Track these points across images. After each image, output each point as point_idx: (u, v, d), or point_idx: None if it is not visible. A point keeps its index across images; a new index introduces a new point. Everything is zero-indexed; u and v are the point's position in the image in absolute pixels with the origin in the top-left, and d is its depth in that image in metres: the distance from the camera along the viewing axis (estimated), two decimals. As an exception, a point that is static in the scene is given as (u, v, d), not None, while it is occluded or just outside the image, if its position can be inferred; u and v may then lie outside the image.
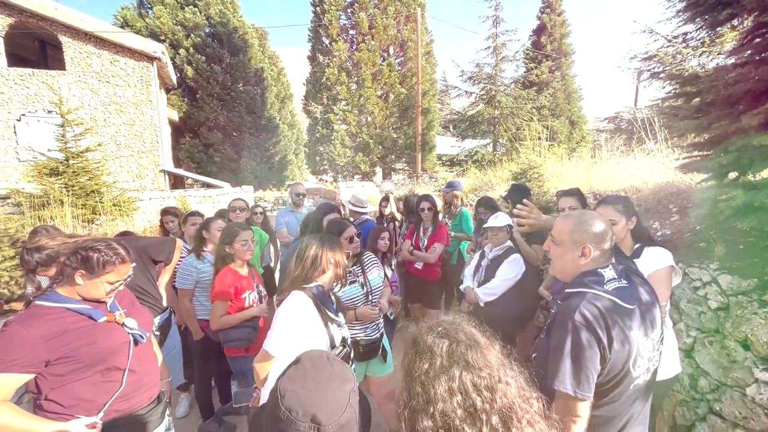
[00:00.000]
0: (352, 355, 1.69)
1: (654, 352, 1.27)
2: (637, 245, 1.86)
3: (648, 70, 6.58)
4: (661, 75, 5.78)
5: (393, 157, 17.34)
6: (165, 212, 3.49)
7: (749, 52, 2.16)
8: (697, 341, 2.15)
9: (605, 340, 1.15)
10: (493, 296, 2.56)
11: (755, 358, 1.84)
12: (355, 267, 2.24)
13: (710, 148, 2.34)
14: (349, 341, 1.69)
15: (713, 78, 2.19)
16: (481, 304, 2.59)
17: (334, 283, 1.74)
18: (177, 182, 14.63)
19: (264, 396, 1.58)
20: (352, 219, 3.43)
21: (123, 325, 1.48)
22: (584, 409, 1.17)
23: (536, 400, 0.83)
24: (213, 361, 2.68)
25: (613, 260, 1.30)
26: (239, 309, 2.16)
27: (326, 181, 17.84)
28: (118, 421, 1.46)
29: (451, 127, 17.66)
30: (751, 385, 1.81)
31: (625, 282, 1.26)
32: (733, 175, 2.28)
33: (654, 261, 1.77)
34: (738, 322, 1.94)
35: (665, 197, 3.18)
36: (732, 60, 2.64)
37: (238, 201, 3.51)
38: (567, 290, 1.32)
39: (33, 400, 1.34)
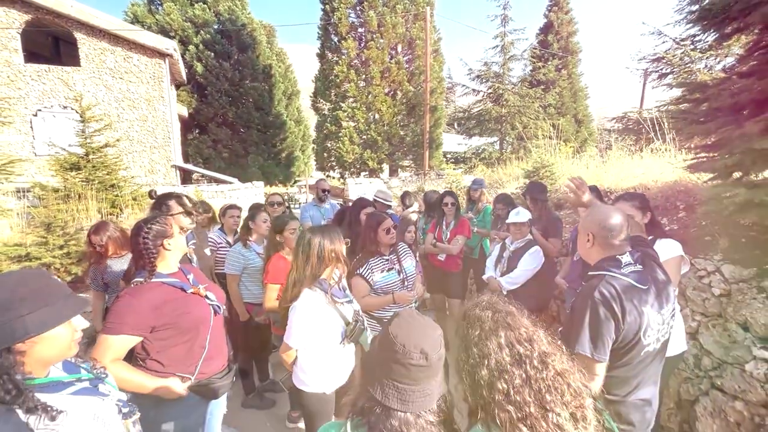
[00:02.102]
0: (365, 325, 1.93)
1: (664, 326, 1.50)
2: (650, 237, 2.08)
3: (656, 71, 6.74)
4: (670, 78, 5.96)
5: (400, 154, 17.54)
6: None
7: (753, 63, 2.36)
8: (702, 325, 2.38)
9: (620, 314, 1.38)
10: (516, 285, 2.78)
11: (754, 338, 2.07)
12: (391, 256, 2.47)
13: (716, 150, 2.55)
14: (360, 313, 1.96)
15: (720, 86, 2.39)
16: (504, 293, 2.81)
17: (339, 273, 1.92)
18: (186, 177, 14.88)
19: (298, 374, 1.82)
20: None
21: (206, 297, 1.72)
22: (600, 369, 1.41)
23: (562, 348, 1.06)
24: (255, 341, 2.93)
25: (630, 248, 1.53)
26: (288, 292, 2.41)
27: (333, 178, 18.06)
28: (201, 382, 1.70)
29: (455, 124, 17.81)
30: (750, 362, 2.04)
31: (640, 266, 1.49)
32: (736, 175, 2.50)
33: (665, 251, 1.99)
34: (739, 307, 2.17)
35: (673, 195, 3.40)
36: (738, 68, 2.84)
37: (276, 196, 3.76)
38: (589, 272, 1.56)
39: (137, 359, 1.58)
